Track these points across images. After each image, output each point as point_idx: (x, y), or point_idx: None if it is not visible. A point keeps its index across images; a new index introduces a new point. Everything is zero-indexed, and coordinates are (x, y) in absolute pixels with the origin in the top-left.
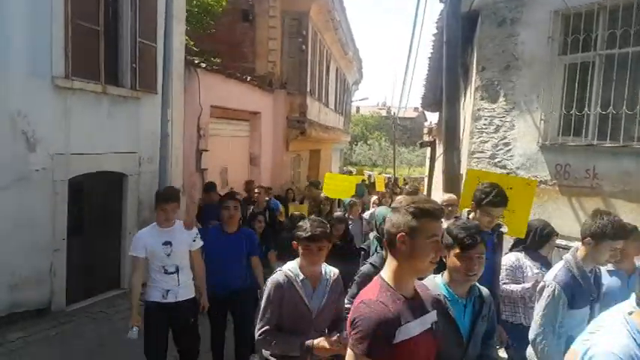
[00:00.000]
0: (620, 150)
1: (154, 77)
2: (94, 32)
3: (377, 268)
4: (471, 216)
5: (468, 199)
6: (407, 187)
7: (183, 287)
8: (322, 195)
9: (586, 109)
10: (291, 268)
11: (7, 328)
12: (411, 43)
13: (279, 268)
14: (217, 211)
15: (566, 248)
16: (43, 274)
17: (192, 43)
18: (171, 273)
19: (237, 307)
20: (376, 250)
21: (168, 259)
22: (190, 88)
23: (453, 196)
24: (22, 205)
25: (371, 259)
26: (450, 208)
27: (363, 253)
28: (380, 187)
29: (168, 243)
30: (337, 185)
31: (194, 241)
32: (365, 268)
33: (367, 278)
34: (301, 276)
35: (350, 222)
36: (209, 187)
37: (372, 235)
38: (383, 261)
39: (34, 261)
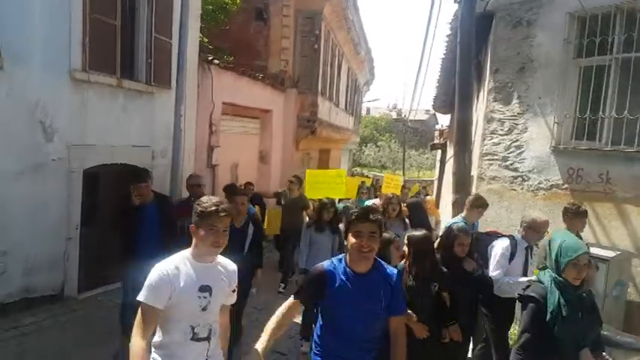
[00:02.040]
0: (635, 155)
1: (169, 73)
2: (111, 27)
3: None
4: None
5: None
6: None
7: None
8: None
9: (600, 112)
10: None
11: (19, 312)
12: (424, 44)
13: None
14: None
15: None
16: (57, 262)
17: (206, 40)
18: (202, 339)
19: None
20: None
21: (202, 315)
22: (203, 85)
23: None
24: (38, 192)
25: None
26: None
27: (532, 306)
28: (390, 188)
29: (206, 289)
30: (322, 183)
31: (234, 290)
32: None
33: None
34: None
35: None
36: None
37: (545, 277)
38: None
39: (48, 248)
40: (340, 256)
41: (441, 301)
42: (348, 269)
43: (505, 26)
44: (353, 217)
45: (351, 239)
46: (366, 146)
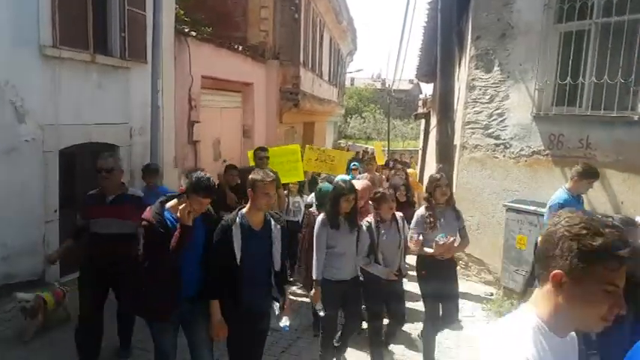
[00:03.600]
0: (614, 120)
1: (144, 46)
2: (82, 0)
3: None
4: None
5: None
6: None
7: None
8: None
9: (580, 78)
10: None
11: (0, 299)
12: (406, 12)
13: None
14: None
15: None
16: (36, 246)
17: (182, 12)
18: None
19: None
20: None
21: None
22: (181, 58)
23: None
24: (13, 176)
25: None
26: None
27: None
28: (380, 158)
29: None
30: (273, 164)
31: None
32: None
33: None
34: None
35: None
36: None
37: None
38: None
39: (27, 233)
40: None
41: None
42: None
43: None
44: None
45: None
46: (351, 118)
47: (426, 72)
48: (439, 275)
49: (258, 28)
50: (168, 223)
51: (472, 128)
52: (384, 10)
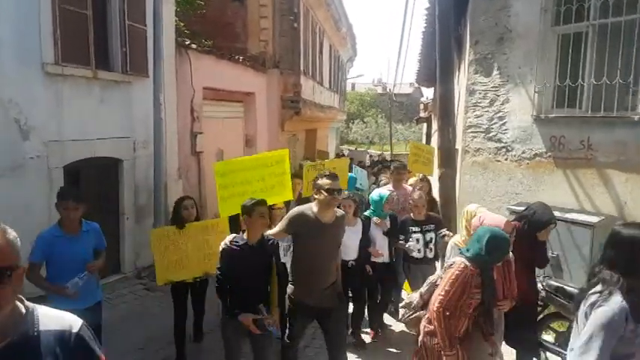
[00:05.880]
0: (615, 120)
1: (145, 61)
2: (82, 17)
3: None
4: None
5: None
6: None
7: None
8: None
9: (580, 80)
10: None
11: None
12: (405, 17)
13: None
14: None
15: (562, 220)
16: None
17: (182, 24)
18: None
19: None
20: None
21: None
22: (182, 71)
23: None
24: (18, 193)
25: None
26: None
27: None
28: (418, 164)
29: None
30: (237, 184)
31: None
32: None
33: None
34: None
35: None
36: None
37: None
38: None
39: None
40: None
41: None
42: None
43: None
44: None
45: None
46: (352, 123)
47: (426, 76)
48: None
49: (258, 38)
50: None
51: (473, 132)
52: (383, 15)
